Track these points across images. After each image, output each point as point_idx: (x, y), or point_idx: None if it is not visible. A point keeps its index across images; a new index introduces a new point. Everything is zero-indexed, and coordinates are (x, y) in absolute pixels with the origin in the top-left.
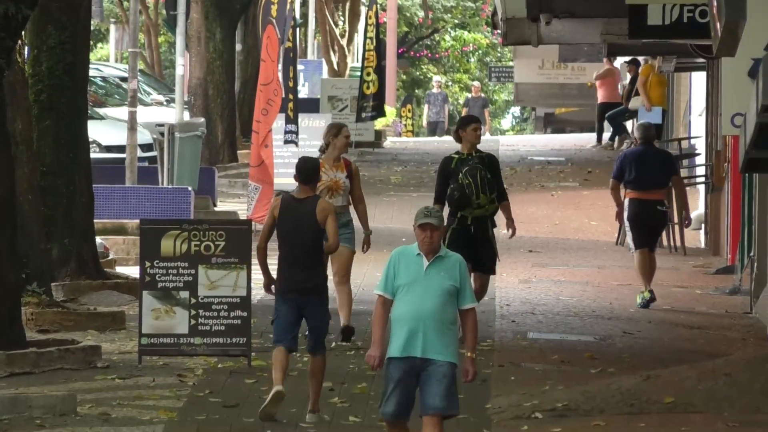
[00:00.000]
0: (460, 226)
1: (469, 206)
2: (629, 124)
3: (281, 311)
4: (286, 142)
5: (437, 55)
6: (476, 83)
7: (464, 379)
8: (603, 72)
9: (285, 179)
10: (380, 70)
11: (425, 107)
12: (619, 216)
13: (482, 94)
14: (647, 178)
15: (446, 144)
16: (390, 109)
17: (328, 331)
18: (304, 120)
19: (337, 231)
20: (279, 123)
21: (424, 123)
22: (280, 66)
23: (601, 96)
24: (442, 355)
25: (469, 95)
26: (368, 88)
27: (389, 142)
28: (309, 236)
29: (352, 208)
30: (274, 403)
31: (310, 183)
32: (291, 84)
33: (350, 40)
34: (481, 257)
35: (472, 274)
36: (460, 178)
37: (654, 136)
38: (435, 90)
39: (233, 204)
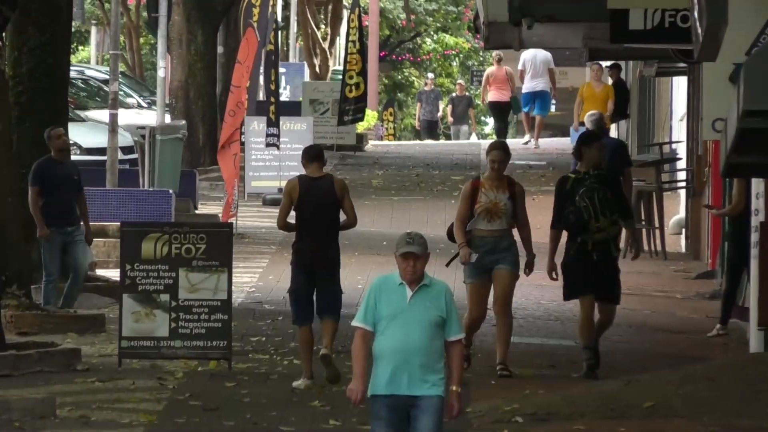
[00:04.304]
0: (579, 253)
1: (588, 231)
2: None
3: (299, 286)
4: (268, 145)
5: (419, 59)
6: (461, 82)
7: (448, 415)
8: (485, 76)
9: (266, 182)
10: (365, 74)
11: (417, 106)
12: None
13: (467, 93)
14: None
15: (428, 147)
16: (371, 113)
17: (341, 302)
18: (286, 123)
19: (353, 207)
20: (260, 126)
21: (417, 123)
22: (261, 69)
23: (490, 96)
24: (429, 391)
25: (454, 94)
26: (350, 91)
27: (371, 145)
28: (328, 211)
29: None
30: (308, 390)
31: (316, 161)
32: (272, 87)
33: (332, 44)
34: (606, 283)
35: (597, 305)
36: (577, 200)
37: (604, 126)
38: (428, 88)
39: (214, 207)
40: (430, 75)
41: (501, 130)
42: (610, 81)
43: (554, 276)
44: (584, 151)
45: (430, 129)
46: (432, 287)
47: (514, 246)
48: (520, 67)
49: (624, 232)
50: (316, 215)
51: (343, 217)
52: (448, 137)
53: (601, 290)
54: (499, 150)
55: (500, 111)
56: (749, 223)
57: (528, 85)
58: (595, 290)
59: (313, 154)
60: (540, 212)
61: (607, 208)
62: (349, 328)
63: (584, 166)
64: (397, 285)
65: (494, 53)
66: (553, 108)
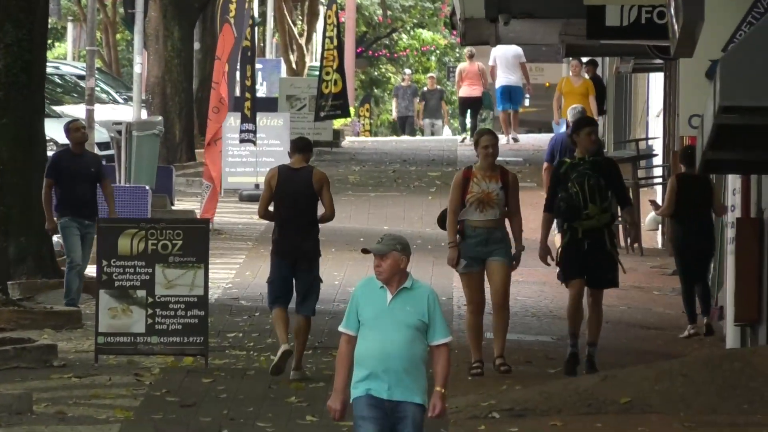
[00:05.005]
0: (570, 241)
1: (578, 218)
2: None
3: (278, 272)
4: (242, 141)
5: (395, 55)
6: (432, 75)
7: (430, 414)
8: (457, 72)
9: (242, 178)
10: (343, 70)
11: (394, 101)
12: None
13: (438, 86)
14: None
15: (405, 143)
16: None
17: (318, 294)
18: (263, 119)
19: (332, 200)
20: (237, 122)
21: (394, 116)
22: (237, 65)
23: (462, 92)
24: (409, 397)
25: (425, 88)
26: (327, 87)
27: (347, 141)
28: (305, 202)
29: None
30: (283, 359)
31: (300, 153)
32: (248, 83)
33: (309, 40)
34: (593, 270)
35: (586, 290)
36: (569, 186)
37: None
38: (405, 83)
39: (191, 203)
40: (407, 71)
41: (464, 125)
42: (586, 77)
43: (548, 261)
44: (575, 139)
45: (404, 124)
46: (414, 291)
47: (507, 237)
48: (491, 63)
49: (620, 226)
50: (293, 205)
51: (321, 209)
52: (422, 133)
53: (591, 276)
54: (488, 134)
55: (469, 106)
56: (685, 223)
57: (502, 80)
58: (584, 275)
59: (299, 146)
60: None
61: (597, 194)
62: (324, 323)
63: (579, 153)
64: (378, 288)
65: (466, 49)
66: (527, 102)
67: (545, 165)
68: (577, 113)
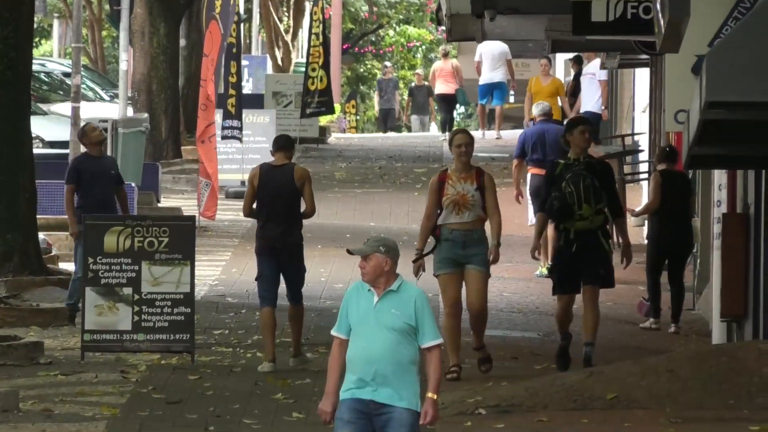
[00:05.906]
0: (564, 244)
1: (571, 218)
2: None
3: (264, 270)
4: (224, 137)
5: (381, 51)
6: (419, 72)
7: (422, 421)
8: (432, 70)
9: (228, 175)
10: (328, 67)
11: (376, 95)
12: (517, 197)
13: (425, 82)
14: (548, 154)
15: (391, 140)
16: (335, 105)
17: (304, 282)
18: (248, 116)
19: (313, 196)
20: (220, 119)
21: (376, 110)
22: (222, 61)
23: (437, 89)
24: (395, 401)
25: (413, 84)
26: (313, 83)
27: (333, 138)
28: (288, 199)
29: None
30: (272, 373)
31: (281, 150)
32: (233, 79)
33: (294, 36)
34: (586, 268)
35: (583, 290)
36: (563, 186)
37: (551, 113)
38: (386, 77)
39: (177, 200)
40: (388, 63)
41: (446, 122)
42: (572, 73)
43: (536, 255)
44: (569, 138)
45: (386, 118)
46: (400, 293)
47: (485, 241)
48: (477, 58)
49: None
50: (276, 202)
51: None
52: (408, 129)
53: (584, 275)
54: (463, 133)
55: (447, 103)
56: (664, 220)
57: (485, 77)
58: (574, 290)
59: (281, 143)
60: (502, 204)
61: (591, 195)
62: (311, 320)
63: (573, 153)
64: (366, 291)
65: (441, 47)
66: (512, 99)
67: (515, 161)
68: (542, 109)
